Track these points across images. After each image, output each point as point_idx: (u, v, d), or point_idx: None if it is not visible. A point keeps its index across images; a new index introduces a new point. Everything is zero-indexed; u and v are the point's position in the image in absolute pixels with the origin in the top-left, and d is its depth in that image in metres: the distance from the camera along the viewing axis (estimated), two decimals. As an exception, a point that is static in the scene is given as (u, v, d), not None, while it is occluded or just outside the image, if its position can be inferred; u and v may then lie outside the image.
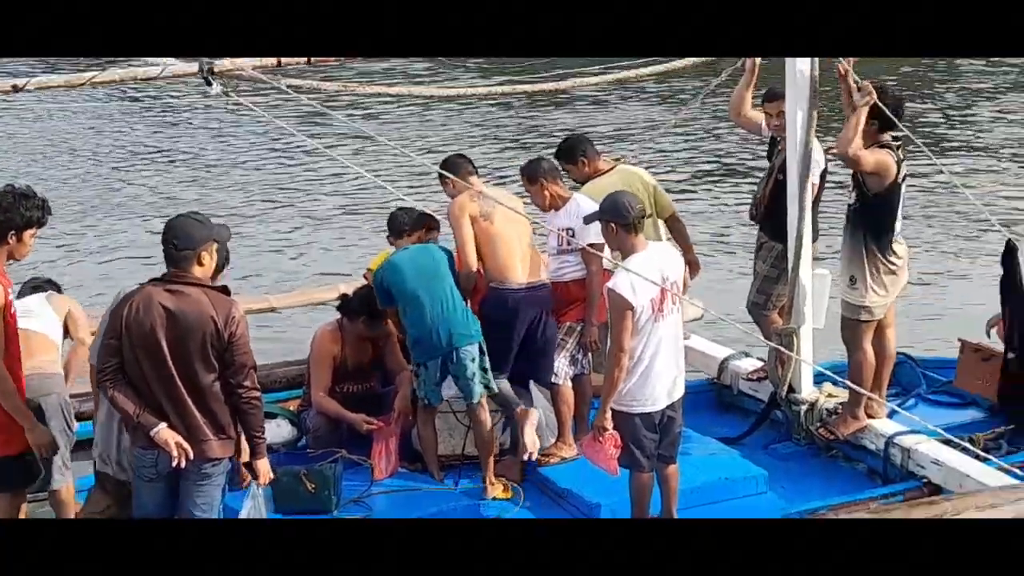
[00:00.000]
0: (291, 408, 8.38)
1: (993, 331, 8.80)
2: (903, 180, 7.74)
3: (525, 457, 7.79)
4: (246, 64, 6.79)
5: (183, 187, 17.59)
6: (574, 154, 8.50)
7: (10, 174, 16.39)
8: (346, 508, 7.40)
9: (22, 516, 6.82)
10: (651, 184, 8.54)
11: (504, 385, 7.86)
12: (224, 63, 6.70)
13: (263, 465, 6.36)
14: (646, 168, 9.81)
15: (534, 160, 8.27)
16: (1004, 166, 17.64)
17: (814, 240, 8.19)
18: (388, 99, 21.32)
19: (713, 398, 9.13)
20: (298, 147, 18.61)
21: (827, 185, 8.52)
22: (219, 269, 6.64)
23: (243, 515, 6.51)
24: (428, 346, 7.62)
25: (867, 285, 7.70)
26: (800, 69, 7.77)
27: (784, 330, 8.09)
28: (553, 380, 8.00)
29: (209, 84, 6.78)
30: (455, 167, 7.91)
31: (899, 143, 7.75)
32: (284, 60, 6.84)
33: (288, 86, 7.16)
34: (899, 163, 7.64)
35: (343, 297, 8.34)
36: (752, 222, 8.95)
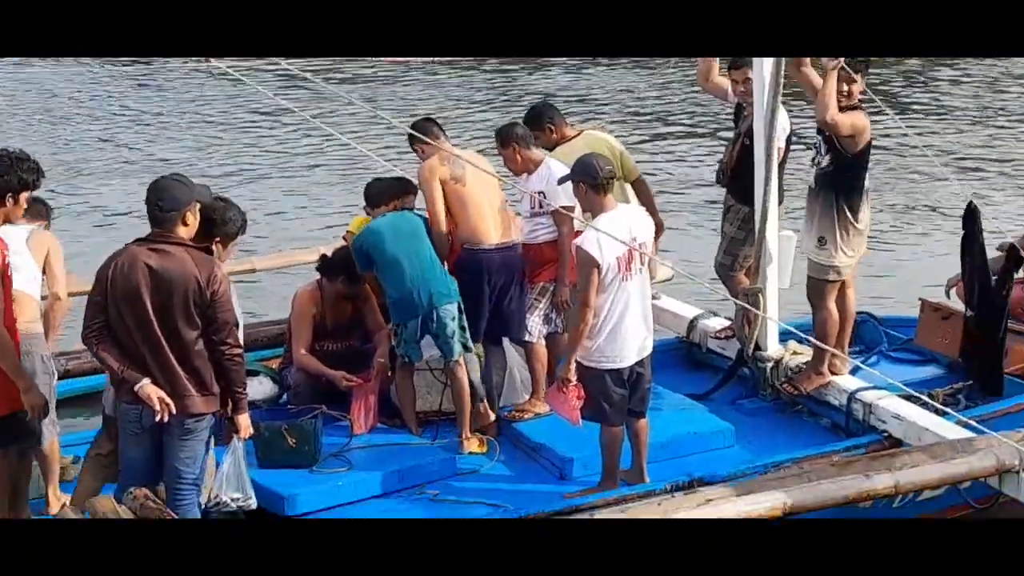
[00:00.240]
0: (273, 366, 8.36)
1: (953, 291, 8.84)
2: (871, 140, 7.77)
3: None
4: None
5: (167, 151, 17.48)
6: (541, 121, 8.48)
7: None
8: (326, 462, 7.38)
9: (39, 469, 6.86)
10: (617, 149, 8.53)
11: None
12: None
13: (244, 420, 6.35)
14: (615, 134, 9.80)
15: (507, 125, 8.33)
16: (964, 128, 17.69)
17: (780, 203, 8.20)
18: (365, 64, 21.24)
19: (682, 356, 9.13)
20: (278, 111, 18.51)
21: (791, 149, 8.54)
22: (233, 236, 6.62)
23: (224, 469, 6.51)
24: (409, 306, 7.62)
25: (837, 246, 7.72)
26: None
27: (751, 290, 8.09)
28: (527, 339, 8.05)
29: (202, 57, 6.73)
30: (424, 131, 7.86)
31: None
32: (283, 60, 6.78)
33: (270, 62, 7.11)
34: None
35: (323, 258, 8.32)
36: (719, 185, 8.95)
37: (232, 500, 6.57)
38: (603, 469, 7.13)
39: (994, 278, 7.99)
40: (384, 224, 7.78)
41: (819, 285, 7.85)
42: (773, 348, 8.30)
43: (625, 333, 6.92)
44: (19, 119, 19.66)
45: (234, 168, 16.65)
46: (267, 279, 11.02)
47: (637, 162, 9.10)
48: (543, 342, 8.05)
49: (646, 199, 8.51)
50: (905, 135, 14.08)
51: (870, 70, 7.82)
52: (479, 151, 9.53)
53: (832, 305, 7.88)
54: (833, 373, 7.98)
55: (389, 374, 8.05)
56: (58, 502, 6.70)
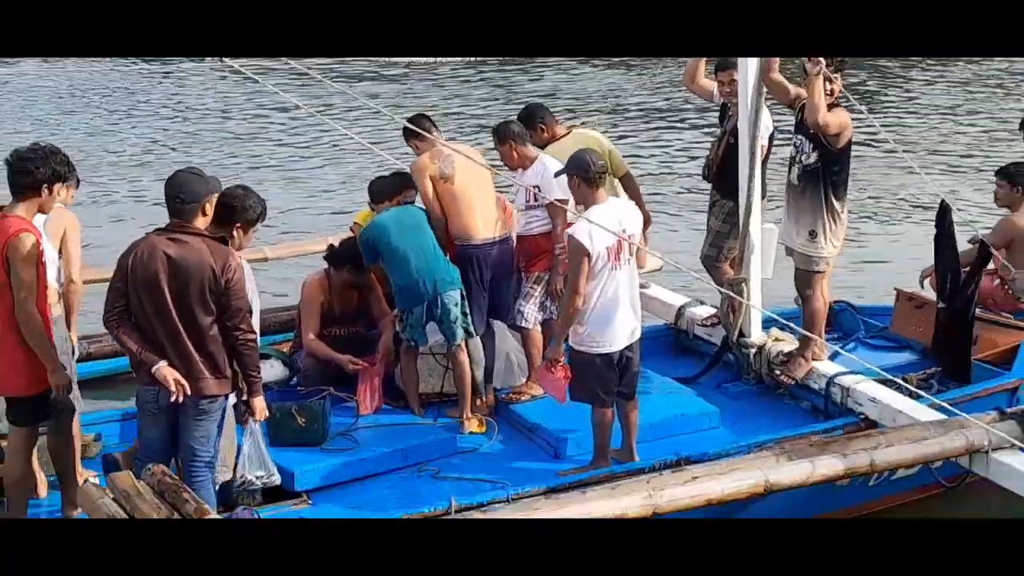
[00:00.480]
0: (283, 350, 8.37)
1: (926, 281, 8.86)
2: (852, 136, 7.81)
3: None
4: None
5: (182, 146, 17.46)
6: (533, 120, 8.49)
7: (22, 136, 16.25)
8: (334, 440, 7.39)
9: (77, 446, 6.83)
10: (606, 146, 8.54)
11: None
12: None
13: (259, 402, 6.34)
14: (605, 131, 9.79)
15: (504, 123, 8.34)
16: (937, 126, 17.68)
17: (763, 198, 8.20)
18: (368, 67, 21.20)
19: (671, 342, 9.15)
20: (289, 110, 18.49)
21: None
22: (253, 222, 6.61)
23: (245, 450, 6.53)
24: (415, 293, 7.65)
25: (826, 237, 7.73)
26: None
27: (735, 280, 8.10)
28: (523, 325, 8.07)
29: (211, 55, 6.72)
30: (418, 127, 7.87)
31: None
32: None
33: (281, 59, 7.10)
34: None
35: (330, 248, 8.33)
36: (705, 181, 8.96)
37: (256, 478, 6.61)
38: (595, 448, 7.15)
39: (964, 270, 8.01)
40: (388, 218, 7.81)
41: (809, 276, 7.86)
42: (756, 335, 8.32)
43: (615, 319, 6.94)
44: (37, 115, 19.62)
45: (245, 161, 16.64)
46: (278, 267, 11.01)
47: (624, 157, 9.11)
48: (539, 328, 8.06)
49: (633, 193, 8.52)
50: (876, 133, 14.05)
51: (847, 70, 7.83)
52: (476, 144, 9.52)
53: (821, 294, 7.91)
54: (813, 359, 8.00)
55: (393, 358, 8.07)
56: (81, 477, 6.70)
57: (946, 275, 7.96)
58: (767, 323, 8.28)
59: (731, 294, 8.00)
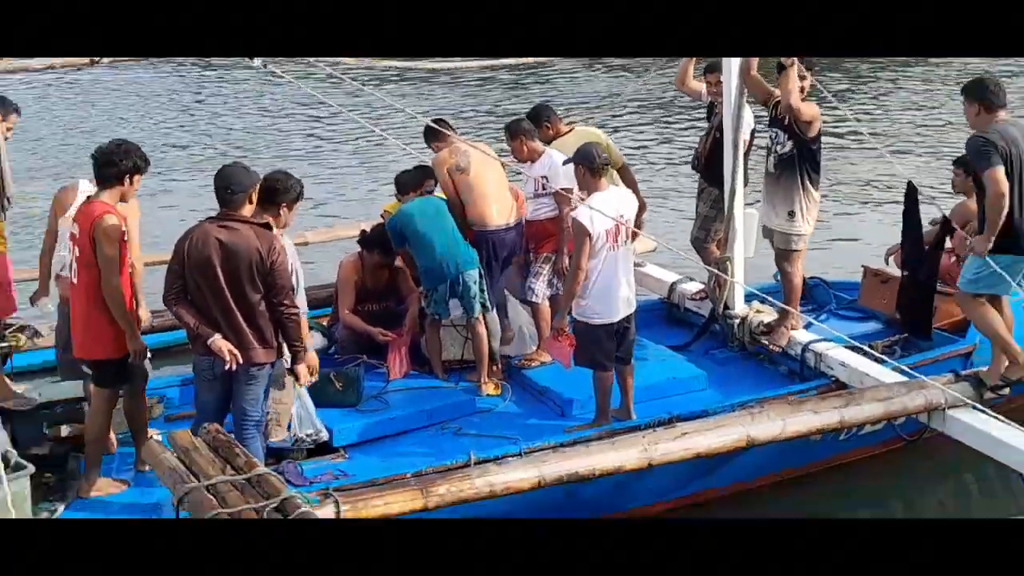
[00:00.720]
0: (323, 323, 8.38)
1: (891, 259, 8.83)
2: (821, 128, 7.81)
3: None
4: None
5: (226, 145, 17.45)
6: (539, 119, 8.49)
7: (100, 135, 16.26)
8: (367, 402, 7.41)
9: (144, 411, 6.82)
10: (604, 141, 8.52)
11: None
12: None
13: (303, 369, 6.36)
14: (604, 128, 9.75)
15: (515, 120, 8.39)
16: (902, 120, 17.58)
17: (745, 185, 8.19)
18: (392, 73, 21.12)
19: (664, 314, 9.13)
20: (324, 111, 18.46)
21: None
22: (296, 200, 6.60)
23: (295, 412, 6.54)
24: (440, 273, 7.67)
25: (803, 217, 7.74)
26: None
27: (721, 259, 8.10)
28: (534, 300, 8.08)
29: (251, 58, 6.69)
30: (437, 129, 7.98)
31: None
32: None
33: (318, 61, 7.07)
34: None
35: (362, 233, 8.33)
36: (694, 171, 8.94)
37: (307, 436, 6.66)
38: (596, 408, 7.16)
39: (927, 248, 7.99)
40: (414, 207, 7.81)
41: (788, 254, 7.87)
42: (740, 307, 8.33)
43: (613, 294, 6.95)
44: (120, 114, 19.66)
45: (283, 156, 16.61)
46: (317, 251, 11.02)
47: (621, 150, 9.09)
48: (547, 303, 8.07)
49: (630, 183, 8.51)
50: (845, 120, 14.00)
51: (822, 70, 7.82)
52: (489, 141, 9.50)
53: (798, 271, 7.91)
54: (791, 328, 7.99)
55: (419, 330, 8.08)
56: (146, 436, 6.74)
57: (912, 248, 7.95)
58: (749, 297, 8.29)
59: (717, 272, 8.01)
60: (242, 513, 5.05)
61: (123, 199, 6.41)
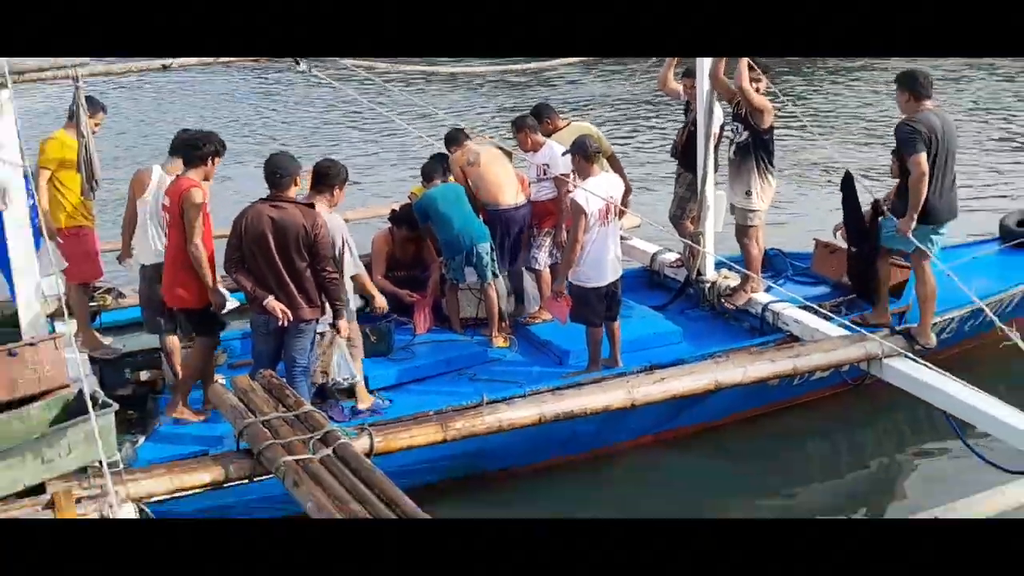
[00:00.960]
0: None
1: (838, 233, 8.78)
2: (774, 123, 7.78)
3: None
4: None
5: (277, 138, 17.42)
6: (541, 116, 8.50)
7: (170, 129, 16.24)
8: (397, 353, 7.46)
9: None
10: (596, 134, 8.51)
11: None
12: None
13: (343, 324, 6.42)
14: (596, 123, 9.71)
15: (520, 116, 8.45)
16: (848, 117, 17.47)
17: (715, 171, 8.18)
18: (414, 77, 21.00)
19: (646, 279, 9.13)
20: (362, 111, 18.41)
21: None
22: (343, 182, 6.62)
23: (334, 359, 6.57)
24: (457, 246, 7.70)
25: (758, 194, 7.73)
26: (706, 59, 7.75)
27: (695, 233, 8.11)
28: (536, 267, 8.14)
29: (298, 63, 6.70)
30: (455, 137, 8.15)
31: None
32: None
33: (354, 65, 7.06)
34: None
35: (393, 212, 8.38)
36: (672, 159, 8.92)
37: (344, 379, 6.69)
38: (589, 358, 7.20)
39: (867, 224, 7.97)
40: (436, 192, 7.85)
41: (745, 229, 7.86)
42: (710, 274, 8.33)
43: (604, 262, 6.98)
44: (197, 110, 19.60)
45: (328, 148, 16.59)
46: (355, 225, 10.99)
47: (610, 141, 9.07)
48: (548, 270, 8.11)
49: (618, 169, 8.51)
50: (794, 115, 13.94)
51: (779, 74, 7.78)
52: (499, 133, 9.47)
53: (756, 243, 7.90)
54: (752, 291, 8.01)
55: (440, 292, 8.11)
56: (212, 380, 6.79)
57: (853, 228, 7.94)
58: (718, 265, 8.30)
59: (692, 243, 8.02)
60: (292, 444, 5.11)
61: (206, 178, 6.45)
